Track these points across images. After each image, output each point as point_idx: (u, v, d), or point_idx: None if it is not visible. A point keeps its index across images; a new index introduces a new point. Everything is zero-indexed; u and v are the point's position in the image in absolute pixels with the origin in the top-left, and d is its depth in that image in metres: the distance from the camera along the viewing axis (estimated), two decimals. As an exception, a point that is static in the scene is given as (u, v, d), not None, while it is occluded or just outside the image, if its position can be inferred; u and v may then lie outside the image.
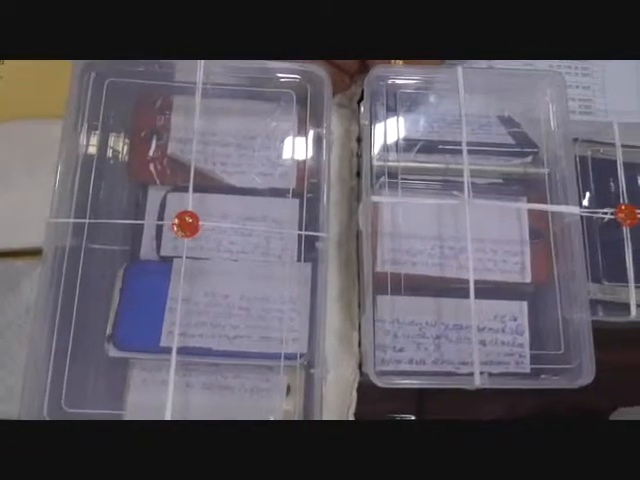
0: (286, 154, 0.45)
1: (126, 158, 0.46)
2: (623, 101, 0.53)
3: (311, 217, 0.43)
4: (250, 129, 0.46)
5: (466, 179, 0.41)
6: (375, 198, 0.40)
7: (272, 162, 0.46)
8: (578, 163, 0.47)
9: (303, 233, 0.41)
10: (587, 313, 0.40)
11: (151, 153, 0.46)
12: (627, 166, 0.47)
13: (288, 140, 0.45)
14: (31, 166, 0.48)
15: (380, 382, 0.39)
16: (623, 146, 0.48)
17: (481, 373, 0.39)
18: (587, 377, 0.39)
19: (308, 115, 0.44)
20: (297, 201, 0.44)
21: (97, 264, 0.44)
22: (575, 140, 0.48)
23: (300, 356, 0.41)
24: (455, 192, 0.41)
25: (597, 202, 0.46)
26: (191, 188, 0.40)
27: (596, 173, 0.47)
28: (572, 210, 0.41)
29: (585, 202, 0.46)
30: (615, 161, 0.46)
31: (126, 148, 0.46)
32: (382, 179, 0.42)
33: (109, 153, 0.46)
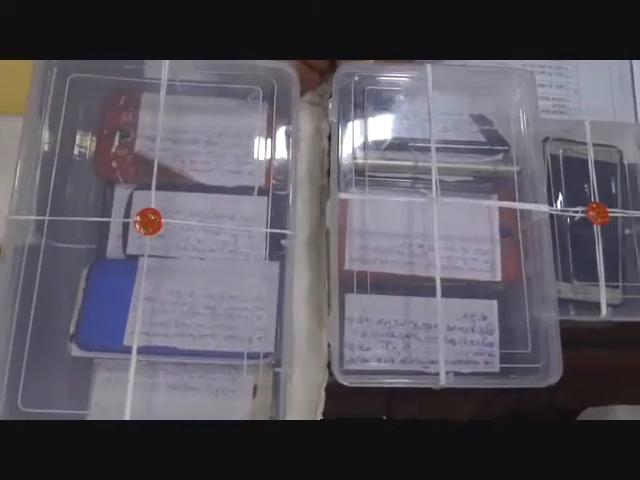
0: (255, 152, 0.45)
1: (93, 155, 0.45)
2: (597, 100, 0.53)
3: (279, 215, 0.43)
4: (219, 126, 0.46)
5: (434, 177, 0.40)
6: (342, 195, 0.40)
7: (241, 160, 0.45)
8: (550, 162, 0.47)
9: (269, 231, 0.41)
10: (555, 312, 0.40)
11: (118, 151, 0.45)
12: (599, 165, 0.47)
13: (257, 138, 0.45)
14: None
15: (346, 381, 0.38)
16: (595, 145, 0.48)
17: (447, 372, 0.38)
18: (554, 376, 0.38)
19: (275, 112, 0.43)
20: (265, 199, 0.44)
21: (63, 263, 0.43)
22: (547, 139, 0.48)
23: (267, 355, 0.41)
24: (423, 190, 0.41)
25: (568, 201, 0.46)
26: (154, 185, 0.39)
27: (567, 172, 0.47)
28: (541, 208, 0.41)
29: (557, 201, 0.46)
30: (587, 160, 0.46)
31: (93, 145, 0.46)
32: (349, 176, 0.41)
33: (75, 150, 0.45)
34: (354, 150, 0.42)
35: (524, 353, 0.41)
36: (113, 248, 0.44)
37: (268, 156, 0.44)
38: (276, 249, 0.42)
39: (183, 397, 0.42)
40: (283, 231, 0.40)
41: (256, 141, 0.45)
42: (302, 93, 0.47)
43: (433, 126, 0.42)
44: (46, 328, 0.41)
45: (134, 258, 0.43)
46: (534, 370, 0.40)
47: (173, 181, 0.44)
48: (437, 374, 0.39)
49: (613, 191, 0.48)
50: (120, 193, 0.45)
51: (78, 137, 0.45)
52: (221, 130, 0.45)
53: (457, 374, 0.40)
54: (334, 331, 0.39)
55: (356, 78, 0.43)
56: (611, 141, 0.50)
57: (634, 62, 0.54)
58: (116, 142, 0.45)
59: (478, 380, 0.40)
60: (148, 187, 0.43)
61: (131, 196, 0.44)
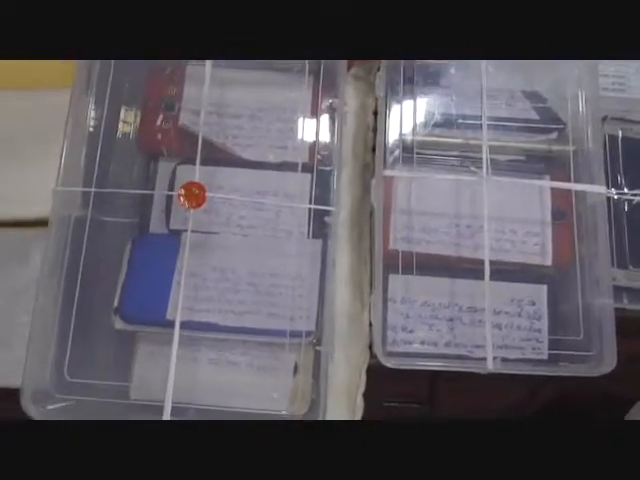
0: (299, 127, 0.44)
1: (137, 129, 0.45)
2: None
3: (322, 192, 0.42)
4: (264, 101, 0.45)
5: (485, 155, 0.39)
6: (388, 172, 0.39)
7: (285, 135, 0.44)
8: (607, 142, 0.45)
9: (312, 207, 0.40)
10: (610, 299, 0.38)
11: (162, 124, 0.45)
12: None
13: (301, 112, 0.44)
14: (44, 137, 0.48)
15: (389, 363, 0.38)
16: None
17: (494, 358, 0.37)
18: (608, 365, 0.37)
19: (321, 87, 0.42)
20: (309, 176, 0.43)
21: (108, 236, 0.44)
22: (605, 118, 0.46)
23: (308, 334, 0.40)
24: (473, 168, 0.39)
25: (626, 183, 0.44)
26: (198, 159, 0.39)
27: (626, 153, 0.45)
28: (598, 190, 0.39)
29: (614, 183, 0.44)
30: (647, 140, 0.44)
31: (138, 120, 0.45)
32: (396, 153, 0.40)
33: (120, 124, 0.45)
34: (401, 126, 0.41)
35: (576, 340, 0.40)
36: (156, 222, 0.44)
37: (312, 132, 0.44)
38: (319, 227, 0.42)
39: (224, 373, 0.42)
40: (326, 207, 0.39)
41: (300, 116, 0.44)
42: (348, 67, 0.46)
43: (485, 103, 0.40)
44: (91, 300, 0.41)
45: (177, 233, 0.43)
46: (586, 358, 0.38)
47: (216, 156, 0.44)
48: (483, 359, 0.38)
49: (675, 174, 0.46)
50: (164, 167, 0.45)
51: (123, 111, 0.45)
52: (265, 104, 0.45)
53: (503, 360, 0.39)
54: (377, 312, 0.38)
55: (405, 52, 0.41)
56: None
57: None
58: (161, 115, 0.45)
59: (526, 366, 0.39)
60: (192, 161, 0.43)
61: (174, 170, 0.44)
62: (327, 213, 0.40)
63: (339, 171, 0.40)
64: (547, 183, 0.41)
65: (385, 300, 0.41)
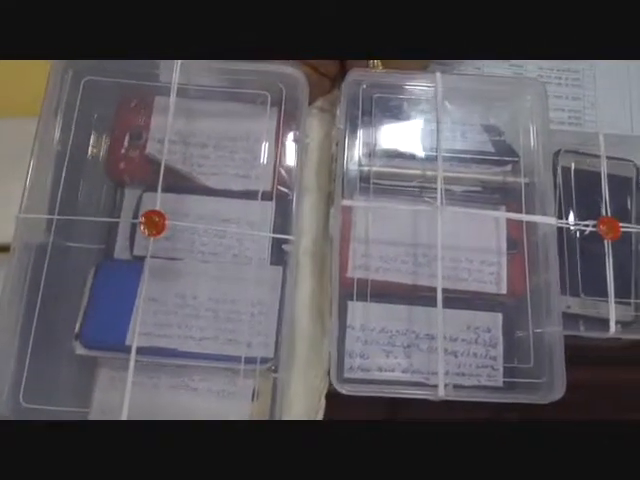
0: (262, 156, 0.45)
1: (105, 157, 0.46)
2: (614, 114, 0.52)
3: (284, 220, 0.43)
4: (229, 130, 0.46)
5: (439, 186, 0.40)
6: (346, 202, 0.40)
7: (249, 164, 0.45)
8: (562, 174, 0.47)
9: (270, 235, 0.41)
10: (560, 327, 0.39)
11: (129, 152, 0.46)
12: (613, 179, 0.46)
13: (265, 142, 0.45)
14: (15, 162, 0.48)
15: (343, 389, 0.38)
16: (610, 158, 0.47)
17: (446, 385, 0.38)
18: (557, 393, 0.38)
19: (284, 118, 0.44)
20: (272, 204, 0.44)
21: (73, 262, 0.44)
22: (560, 151, 0.47)
23: (266, 360, 0.41)
24: (427, 198, 0.40)
25: (579, 214, 0.45)
26: (159, 187, 0.40)
27: (580, 185, 0.46)
28: (548, 221, 0.40)
29: (568, 214, 0.45)
30: (600, 173, 0.45)
31: (105, 147, 0.46)
32: (354, 183, 0.41)
33: (88, 151, 0.46)
34: (360, 157, 0.42)
35: (527, 368, 0.40)
36: (121, 249, 0.45)
37: (275, 161, 0.45)
38: (280, 254, 0.43)
39: (184, 398, 0.42)
40: (284, 236, 0.40)
41: (264, 146, 0.45)
42: (313, 99, 0.48)
43: (441, 135, 0.41)
44: (53, 326, 0.42)
45: (140, 259, 0.43)
46: (536, 386, 0.39)
47: (182, 184, 0.45)
48: (450, 385, 0.39)
49: (628, 206, 0.47)
50: (130, 194, 0.46)
51: (92, 139, 0.46)
52: (230, 134, 0.46)
53: (457, 386, 0.39)
54: (333, 339, 0.39)
55: (365, 85, 0.43)
56: (628, 155, 0.49)
57: (653, 76, 0.53)
58: (128, 144, 0.46)
59: (478, 393, 0.39)
60: (157, 189, 0.44)
61: (140, 198, 0.45)
62: (286, 241, 0.40)
63: (299, 200, 0.40)
64: (500, 214, 0.43)
65: (344, 327, 0.42)
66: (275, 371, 0.40)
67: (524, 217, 0.41)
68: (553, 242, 0.41)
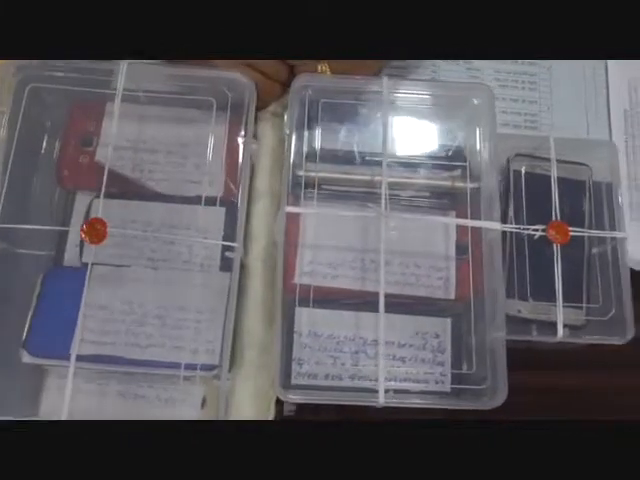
0: (214, 162, 0.45)
1: (55, 163, 0.46)
2: (570, 117, 0.52)
3: (233, 227, 0.43)
4: (180, 136, 0.46)
5: (384, 191, 0.40)
6: (289, 209, 0.40)
7: (200, 170, 0.45)
8: (513, 178, 0.47)
9: (215, 243, 0.41)
10: (503, 333, 0.39)
11: (80, 159, 0.46)
12: (567, 182, 0.46)
13: (216, 148, 0.45)
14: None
15: (286, 397, 0.38)
16: (565, 162, 0.47)
17: (387, 391, 0.37)
18: (499, 399, 0.37)
19: (234, 123, 0.44)
20: (221, 210, 0.44)
21: (23, 269, 0.44)
22: (514, 155, 0.47)
23: (213, 367, 0.41)
24: (370, 204, 0.40)
25: (530, 218, 0.45)
26: (102, 194, 0.40)
27: (531, 189, 0.46)
28: (493, 226, 0.40)
29: (517, 218, 0.45)
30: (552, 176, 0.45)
31: (56, 153, 0.46)
32: (298, 189, 0.41)
33: (39, 158, 0.46)
34: (306, 162, 0.42)
35: (473, 374, 0.40)
36: (71, 256, 0.44)
37: (225, 167, 0.45)
38: (231, 261, 0.42)
39: (132, 406, 0.42)
40: (227, 243, 0.40)
41: (215, 151, 0.45)
42: (266, 104, 0.48)
43: (388, 140, 0.41)
44: (0, 334, 0.42)
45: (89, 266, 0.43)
46: (481, 392, 0.39)
47: (131, 190, 0.45)
48: (386, 391, 0.39)
49: (581, 209, 0.47)
50: (81, 201, 0.46)
51: (44, 145, 0.46)
52: (182, 140, 0.46)
53: (405, 392, 0.39)
54: (276, 346, 0.39)
55: (312, 90, 0.43)
56: (584, 158, 0.48)
57: (610, 78, 0.53)
58: (78, 150, 0.46)
59: (423, 400, 0.39)
60: (108, 196, 0.44)
61: (90, 204, 0.45)
62: (230, 248, 0.40)
63: (243, 206, 0.40)
64: (444, 219, 0.43)
65: (291, 333, 0.42)
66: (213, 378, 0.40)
67: (469, 222, 0.41)
68: (498, 247, 0.41)
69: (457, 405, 0.38)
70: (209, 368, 0.40)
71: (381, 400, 0.37)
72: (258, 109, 0.47)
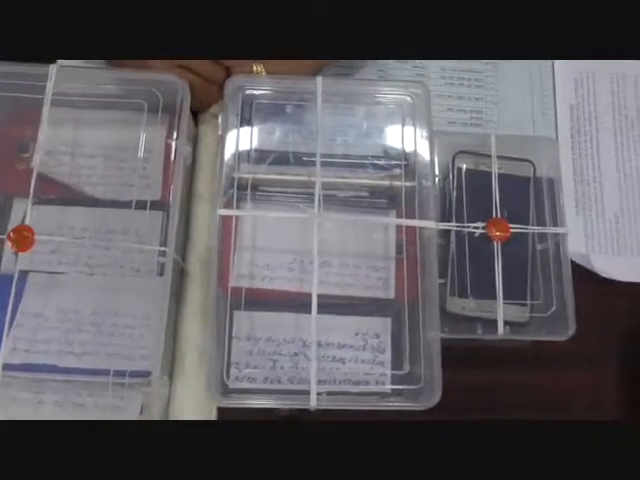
0: (150, 166, 0.44)
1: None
2: (515, 114, 0.52)
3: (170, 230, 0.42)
4: (117, 140, 0.45)
5: (317, 192, 0.39)
6: (222, 211, 0.39)
7: (137, 174, 0.45)
8: (456, 176, 0.46)
9: (144, 247, 0.41)
10: (437, 331, 0.39)
11: (17, 165, 0.45)
12: (510, 179, 0.46)
13: (154, 151, 0.44)
14: None
15: (219, 402, 0.38)
16: (508, 158, 0.47)
17: (319, 394, 0.37)
18: (434, 399, 0.37)
19: (167, 125, 0.43)
20: (160, 214, 0.44)
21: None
22: (458, 152, 0.47)
23: (149, 374, 0.40)
24: (301, 206, 0.40)
25: (471, 216, 0.45)
26: (30, 201, 0.39)
27: (475, 186, 0.46)
28: (429, 225, 0.40)
29: (458, 216, 0.45)
30: (495, 174, 0.45)
31: (-6, 160, 0.46)
32: (230, 191, 0.41)
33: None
34: (239, 164, 0.42)
35: (411, 374, 0.40)
36: (8, 263, 0.44)
37: (162, 170, 0.44)
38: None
39: (70, 415, 0.41)
40: (158, 248, 0.39)
41: (153, 155, 0.45)
42: (206, 106, 0.47)
43: (323, 140, 0.41)
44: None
45: (25, 273, 0.42)
46: (418, 391, 0.39)
47: (68, 196, 0.44)
48: (325, 394, 0.38)
49: (525, 206, 0.47)
50: (17, 208, 0.45)
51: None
52: (119, 144, 0.45)
53: (336, 394, 0.39)
54: (209, 351, 0.38)
55: (245, 91, 0.42)
56: (527, 155, 0.48)
57: (556, 74, 0.53)
58: (15, 157, 0.45)
59: (353, 401, 0.39)
60: (44, 202, 0.43)
61: (25, 212, 0.44)
62: (163, 253, 0.40)
63: (174, 210, 0.40)
64: (380, 219, 0.42)
65: (230, 337, 0.41)
66: (163, 384, 0.39)
67: (403, 222, 0.41)
68: (433, 246, 0.40)
69: (393, 406, 0.38)
70: (144, 375, 0.40)
71: (313, 403, 0.36)
72: (199, 111, 0.47)
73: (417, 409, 0.37)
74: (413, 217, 0.41)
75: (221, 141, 0.41)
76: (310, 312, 0.41)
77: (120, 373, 0.40)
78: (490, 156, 0.46)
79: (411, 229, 0.41)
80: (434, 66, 0.53)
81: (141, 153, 0.44)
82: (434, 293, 0.39)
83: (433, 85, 0.52)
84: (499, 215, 0.44)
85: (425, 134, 0.42)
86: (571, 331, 0.42)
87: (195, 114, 0.47)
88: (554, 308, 0.43)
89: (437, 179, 0.46)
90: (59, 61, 0.44)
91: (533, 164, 0.48)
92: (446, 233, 0.45)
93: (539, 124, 0.52)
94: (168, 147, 0.44)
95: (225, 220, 0.40)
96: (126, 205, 0.44)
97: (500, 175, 0.45)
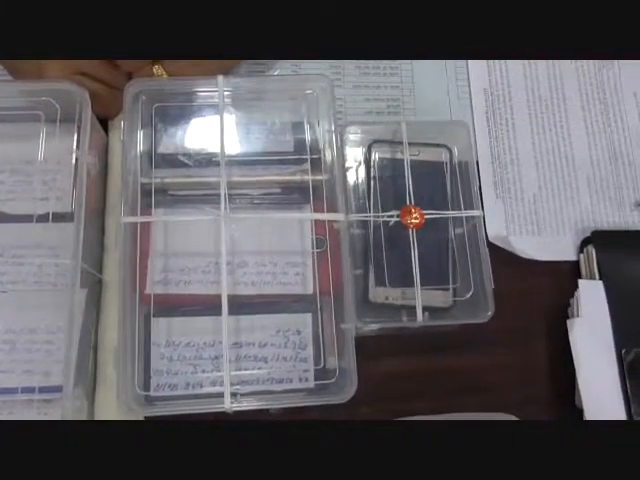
0: (60, 177, 0.44)
1: None
2: (432, 100, 0.52)
3: (85, 242, 0.41)
4: (25, 154, 0.44)
5: (222, 192, 0.39)
6: (126, 219, 0.39)
7: (47, 187, 0.44)
8: (372, 165, 0.46)
9: (55, 260, 0.40)
10: (352, 323, 0.39)
11: None
12: (424, 165, 0.46)
13: (64, 163, 0.44)
14: None
15: (139, 412, 0.37)
16: (419, 144, 0.46)
17: (234, 394, 0.37)
18: (349, 392, 0.37)
19: (75, 135, 0.42)
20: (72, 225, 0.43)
21: None
22: (373, 142, 0.47)
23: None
24: (207, 208, 0.39)
25: (386, 205, 0.45)
26: None
27: (386, 174, 0.46)
28: (337, 217, 0.40)
29: (374, 206, 0.45)
30: (410, 161, 0.45)
31: None
32: (134, 197, 0.40)
33: None
34: (143, 169, 0.41)
35: (332, 368, 0.40)
36: None
37: (73, 181, 0.43)
38: (84, 277, 0.41)
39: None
40: (63, 260, 0.39)
41: (61, 166, 0.44)
42: (114, 113, 0.46)
43: (226, 139, 0.41)
44: None
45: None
46: (338, 385, 0.39)
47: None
48: (237, 395, 0.38)
49: (442, 191, 0.47)
50: None
51: None
52: (24, 157, 0.44)
53: (256, 394, 0.39)
54: (121, 360, 0.37)
55: (145, 95, 0.41)
56: (443, 140, 0.48)
57: (470, 62, 0.53)
58: None
59: (273, 400, 0.39)
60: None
61: None
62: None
63: (79, 221, 0.39)
64: (287, 215, 0.42)
65: (148, 345, 0.41)
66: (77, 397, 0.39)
67: (312, 216, 0.41)
68: (345, 238, 0.40)
69: (309, 401, 0.38)
70: (58, 390, 0.39)
71: (227, 405, 0.36)
72: (107, 119, 0.47)
73: (333, 403, 0.37)
74: (323, 210, 0.41)
75: (123, 147, 0.40)
76: (230, 314, 0.41)
77: (30, 390, 0.39)
78: (399, 143, 0.46)
79: (321, 223, 0.41)
80: (348, 57, 0.53)
81: (46, 165, 0.43)
82: (349, 285, 0.39)
83: (349, 76, 0.52)
84: (412, 202, 0.44)
85: (331, 127, 0.42)
86: (490, 313, 0.42)
87: (105, 122, 0.47)
88: (472, 291, 0.44)
89: (355, 170, 0.47)
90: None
91: (449, 149, 0.48)
92: (366, 224, 0.45)
93: (456, 109, 0.52)
94: (74, 158, 0.44)
95: (138, 227, 0.40)
96: (40, 219, 0.43)
97: (415, 162, 0.45)
